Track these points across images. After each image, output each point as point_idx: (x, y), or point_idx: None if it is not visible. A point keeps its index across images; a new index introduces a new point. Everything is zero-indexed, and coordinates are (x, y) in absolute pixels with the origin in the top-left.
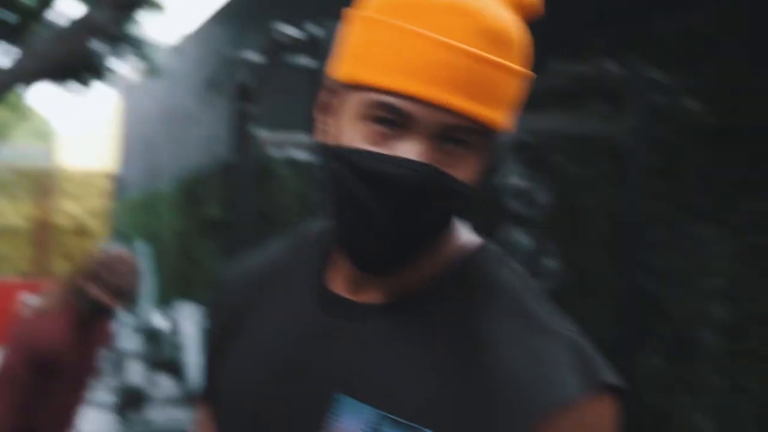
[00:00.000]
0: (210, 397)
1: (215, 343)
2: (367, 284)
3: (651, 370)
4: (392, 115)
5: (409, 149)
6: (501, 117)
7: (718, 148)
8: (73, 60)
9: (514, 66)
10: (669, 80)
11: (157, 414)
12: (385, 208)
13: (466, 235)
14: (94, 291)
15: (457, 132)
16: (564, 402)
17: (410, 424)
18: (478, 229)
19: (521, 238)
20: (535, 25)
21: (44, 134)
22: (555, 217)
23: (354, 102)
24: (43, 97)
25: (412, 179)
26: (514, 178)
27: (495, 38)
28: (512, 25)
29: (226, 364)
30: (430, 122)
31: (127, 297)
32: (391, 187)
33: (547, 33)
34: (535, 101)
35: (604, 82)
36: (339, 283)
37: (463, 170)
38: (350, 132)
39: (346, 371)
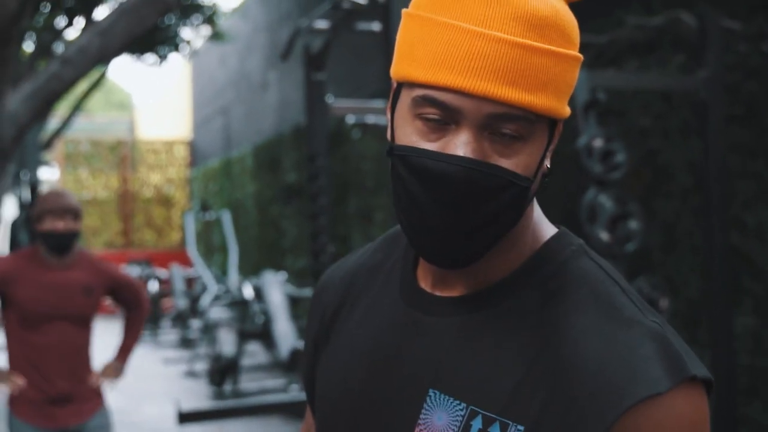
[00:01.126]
0: (310, 394)
1: (314, 344)
2: (450, 279)
3: (745, 329)
4: (438, 110)
5: (458, 144)
6: (548, 101)
7: None
8: (142, 34)
9: (556, 48)
10: (743, 28)
11: (248, 382)
12: (438, 205)
13: (544, 225)
14: (40, 227)
15: (505, 121)
16: (651, 395)
17: (499, 418)
18: (564, 196)
19: (604, 201)
20: None
21: (124, 106)
22: (637, 174)
23: (405, 99)
24: (122, 69)
25: (461, 175)
26: (594, 139)
27: (534, 23)
28: (553, 8)
29: (324, 363)
30: (476, 114)
31: (72, 214)
32: (441, 184)
33: None
34: (609, 57)
35: (678, 34)
36: (425, 280)
37: (519, 160)
38: (404, 129)
39: (434, 366)
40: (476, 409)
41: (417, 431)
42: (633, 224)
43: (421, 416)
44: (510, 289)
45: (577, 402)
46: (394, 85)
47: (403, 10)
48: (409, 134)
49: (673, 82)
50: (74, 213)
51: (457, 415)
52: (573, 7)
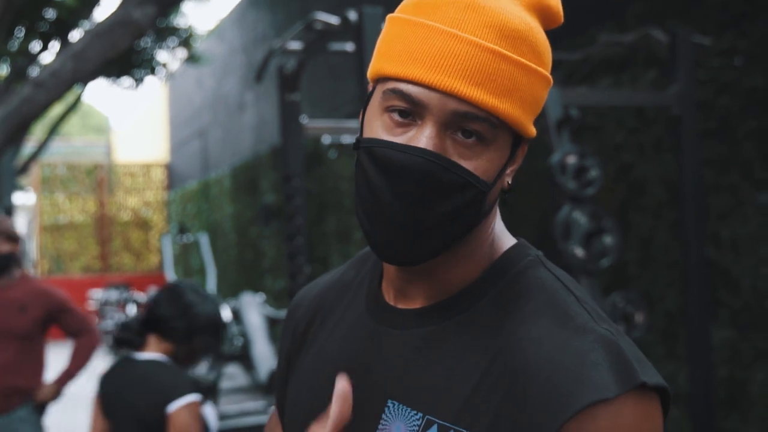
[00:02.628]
0: (281, 407)
1: (286, 359)
2: (410, 291)
3: (722, 342)
4: (405, 103)
5: (421, 137)
6: (511, 109)
7: None
8: (116, 57)
9: (525, 60)
10: (714, 44)
11: (227, 405)
12: (395, 197)
13: (505, 238)
14: None
15: (469, 121)
16: (599, 400)
17: (453, 426)
18: (538, 213)
19: (579, 217)
20: None
21: (101, 129)
22: (612, 189)
23: (377, 95)
24: (98, 92)
25: (419, 166)
26: (567, 156)
27: (506, 33)
28: (527, 25)
29: (295, 377)
30: (440, 109)
31: (4, 236)
32: (400, 174)
33: (590, 3)
34: (582, 74)
35: (650, 50)
36: (388, 293)
37: (478, 164)
38: (372, 124)
39: (394, 378)
40: (432, 418)
41: None
42: (608, 240)
43: (380, 427)
44: (468, 299)
45: (527, 407)
46: (370, 86)
47: (388, 15)
48: (376, 128)
49: (646, 98)
50: (7, 236)
51: (414, 425)
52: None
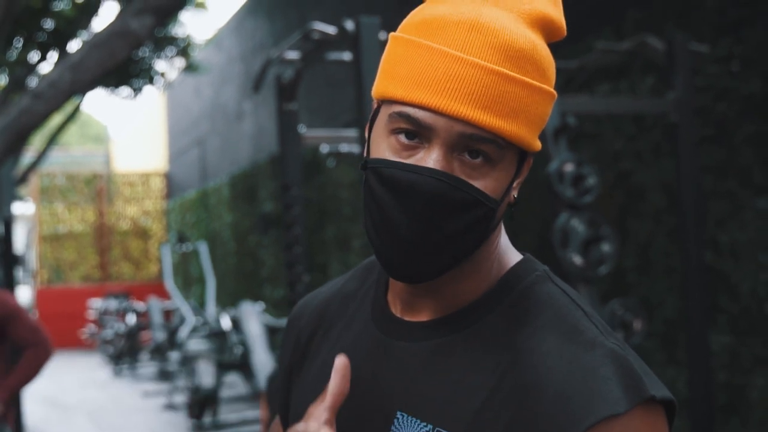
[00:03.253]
0: (284, 420)
1: (288, 370)
2: (417, 304)
3: (721, 347)
4: (412, 126)
5: (429, 159)
6: (518, 129)
7: None
8: (114, 67)
9: (530, 80)
10: (711, 50)
11: (227, 413)
12: (406, 216)
13: (510, 252)
14: None
15: (475, 143)
16: (610, 416)
17: None
18: (537, 222)
19: (577, 225)
20: (575, 4)
21: (99, 138)
22: (610, 197)
23: (383, 116)
24: (97, 102)
25: (429, 186)
26: (565, 164)
27: (511, 54)
28: (531, 43)
29: (297, 388)
30: (447, 132)
31: None
32: (410, 194)
33: (587, 11)
34: (580, 81)
35: (647, 57)
36: (395, 305)
37: (486, 183)
38: (379, 146)
39: (402, 389)
40: (441, 430)
41: None
42: (606, 247)
43: None
44: (476, 313)
45: (538, 422)
46: (375, 104)
47: (390, 34)
48: (383, 150)
49: (644, 105)
50: None
51: None
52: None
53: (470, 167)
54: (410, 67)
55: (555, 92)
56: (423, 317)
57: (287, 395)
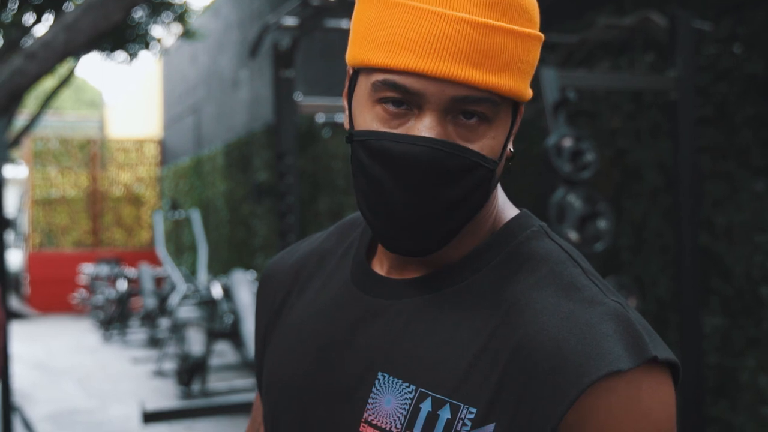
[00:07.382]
0: (260, 381)
1: (262, 330)
2: (407, 261)
3: (713, 329)
4: (400, 94)
5: (421, 127)
6: (512, 82)
7: None
8: (109, 30)
9: (519, 28)
10: (714, 30)
11: (216, 382)
12: (402, 189)
13: (507, 208)
14: None
15: (469, 104)
16: (613, 372)
17: (449, 400)
18: (533, 196)
19: (573, 200)
20: None
21: (94, 104)
22: (607, 174)
23: (364, 85)
24: (92, 67)
25: (425, 156)
26: (563, 139)
27: (495, 2)
28: None
29: (272, 350)
30: (439, 97)
31: None
32: (405, 166)
33: None
34: (580, 57)
35: (649, 34)
36: (381, 263)
37: (483, 144)
38: (364, 117)
39: (385, 349)
40: (426, 391)
41: (365, 416)
42: (602, 224)
43: (370, 400)
44: (467, 269)
45: (534, 381)
46: (350, 71)
47: None
48: (369, 121)
49: (644, 82)
50: None
51: (406, 398)
52: (545, 8)
53: (466, 129)
54: (390, 30)
55: (542, 34)
56: (411, 274)
57: (262, 362)
